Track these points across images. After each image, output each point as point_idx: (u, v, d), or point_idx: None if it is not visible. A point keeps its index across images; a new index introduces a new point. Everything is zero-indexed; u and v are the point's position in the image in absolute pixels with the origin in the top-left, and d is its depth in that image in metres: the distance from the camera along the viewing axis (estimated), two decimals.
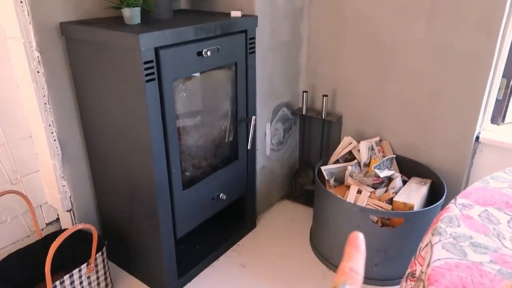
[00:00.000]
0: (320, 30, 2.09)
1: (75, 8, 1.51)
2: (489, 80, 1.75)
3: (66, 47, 1.51)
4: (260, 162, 2.09)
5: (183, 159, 1.62)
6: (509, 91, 1.91)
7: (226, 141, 1.83)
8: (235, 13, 1.63)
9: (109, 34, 1.32)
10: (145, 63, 1.28)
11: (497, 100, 1.90)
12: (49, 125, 1.58)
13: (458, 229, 0.77)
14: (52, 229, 1.81)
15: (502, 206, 0.85)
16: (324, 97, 2.09)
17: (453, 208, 0.85)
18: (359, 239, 0.47)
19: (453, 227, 0.77)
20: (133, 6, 1.37)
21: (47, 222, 1.81)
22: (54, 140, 1.60)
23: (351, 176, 1.86)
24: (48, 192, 1.76)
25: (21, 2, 1.39)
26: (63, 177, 1.67)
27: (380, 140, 2.08)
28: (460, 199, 0.89)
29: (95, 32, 1.36)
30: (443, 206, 1.74)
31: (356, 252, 0.46)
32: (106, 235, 1.83)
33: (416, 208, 1.67)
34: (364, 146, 1.98)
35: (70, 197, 1.72)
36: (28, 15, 1.41)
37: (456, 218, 0.80)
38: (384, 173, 1.81)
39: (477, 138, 1.87)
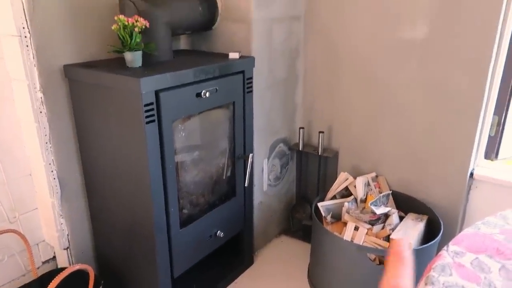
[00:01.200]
0: (316, 68, 2.16)
1: (78, 51, 1.57)
2: (480, 117, 1.80)
3: (68, 88, 1.55)
4: (257, 197, 2.10)
5: (181, 196, 1.64)
6: (501, 128, 1.96)
7: (224, 177, 1.85)
8: (233, 55, 1.69)
9: (111, 77, 1.37)
10: (146, 105, 1.32)
11: (489, 136, 1.94)
12: (49, 164, 1.60)
13: (450, 278, 0.78)
14: (48, 267, 1.80)
15: (493, 253, 0.86)
16: (320, 134, 2.13)
17: (445, 256, 0.87)
18: (403, 247, 0.39)
19: (445, 276, 0.78)
20: (135, 50, 1.42)
21: (43, 260, 1.80)
22: (54, 178, 1.62)
23: (348, 213, 1.87)
24: (45, 230, 1.76)
25: (27, 46, 1.44)
26: (61, 215, 1.67)
27: (376, 176, 2.11)
28: (452, 246, 0.91)
29: (97, 75, 1.41)
30: (440, 243, 1.75)
31: (399, 263, 0.38)
32: (102, 273, 1.81)
33: (413, 246, 1.67)
34: (360, 182, 2.00)
35: (67, 235, 1.71)
36: (34, 58, 1.46)
37: (449, 267, 0.81)
38: (380, 210, 1.83)
39: (472, 174, 1.89)
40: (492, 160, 1.97)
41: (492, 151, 1.98)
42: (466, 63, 1.73)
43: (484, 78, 1.73)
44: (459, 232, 1.98)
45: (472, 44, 1.70)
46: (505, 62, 1.79)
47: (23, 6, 1.40)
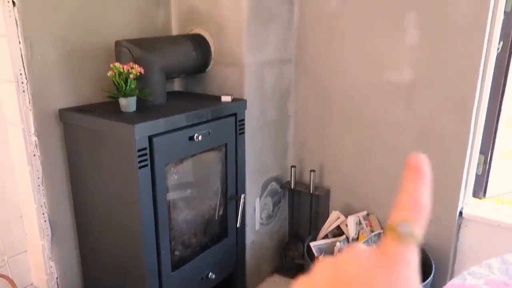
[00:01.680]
0: (307, 108, 2.21)
1: (74, 94, 1.60)
2: (467, 156, 1.85)
3: (63, 132, 1.57)
4: (249, 236, 2.10)
5: (172, 237, 1.63)
6: (487, 166, 2.00)
7: (216, 218, 1.85)
8: (226, 98, 1.74)
9: (105, 123, 1.40)
10: (139, 150, 1.34)
11: (477, 175, 1.98)
12: (41, 206, 1.60)
13: None
14: None
15: None
16: (312, 172, 2.15)
17: None
18: (421, 161, 0.35)
19: None
20: (130, 96, 1.46)
21: None
22: (45, 221, 1.61)
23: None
24: (34, 273, 1.73)
25: (24, 91, 1.47)
26: (51, 258, 1.65)
27: (368, 214, 2.12)
28: None
29: (91, 120, 1.44)
30: (432, 284, 1.75)
31: (418, 178, 0.35)
32: None
33: None
34: (351, 221, 2.01)
35: (56, 278, 1.69)
36: (29, 103, 1.49)
37: None
38: None
39: (461, 213, 1.92)
40: (480, 198, 2.01)
41: (480, 189, 2.02)
42: (451, 104, 1.79)
43: (468, 119, 1.78)
44: (451, 271, 1.98)
45: (455, 86, 1.76)
46: (488, 103, 1.85)
47: (21, 53, 1.44)
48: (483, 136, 1.92)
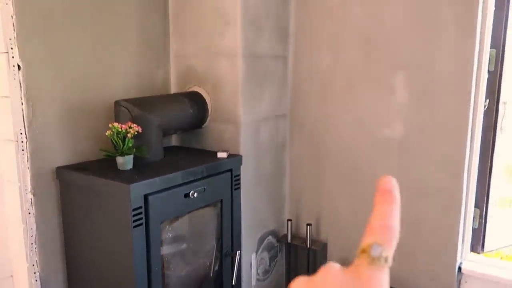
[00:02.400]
0: (302, 162, 2.24)
1: (72, 152, 1.63)
2: (462, 210, 1.85)
3: (59, 190, 1.58)
4: None
5: None
6: (483, 220, 2.00)
7: (211, 275, 1.82)
8: (221, 154, 1.77)
9: (101, 182, 1.41)
10: (134, 209, 1.35)
11: (473, 229, 1.97)
12: (33, 265, 1.57)
13: None
14: None
15: None
16: (308, 226, 2.14)
17: None
18: (391, 184, 0.37)
19: None
20: (127, 154, 1.49)
21: None
22: (36, 280, 1.58)
23: None
24: None
25: (23, 150, 1.50)
26: None
27: None
28: None
29: (87, 178, 1.45)
30: None
31: (388, 202, 0.36)
32: None
33: None
34: None
35: None
36: (28, 161, 1.51)
37: None
38: None
39: (460, 268, 1.89)
40: (478, 253, 1.99)
41: (477, 243, 2.00)
42: (443, 160, 1.82)
43: (460, 173, 1.81)
44: None
45: (446, 142, 1.81)
46: (479, 157, 1.89)
47: (23, 113, 1.48)
48: (476, 190, 1.93)
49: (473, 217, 1.95)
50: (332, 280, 0.34)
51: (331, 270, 0.35)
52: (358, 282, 0.33)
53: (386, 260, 0.34)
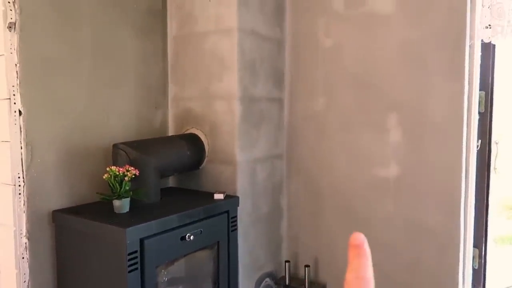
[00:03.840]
0: (299, 202, 2.24)
1: (69, 195, 1.63)
2: (461, 250, 1.83)
3: (54, 233, 1.57)
4: None
5: None
6: (483, 260, 1.98)
7: None
8: (218, 196, 1.77)
9: (96, 225, 1.41)
10: (129, 254, 1.34)
11: (473, 269, 1.95)
12: None
13: None
14: None
15: None
16: (306, 268, 2.11)
17: None
18: (360, 239, 0.41)
19: None
20: (124, 197, 1.49)
21: None
22: None
23: None
24: None
25: (20, 194, 1.51)
26: None
27: None
28: None
29: (83, 222, 1.45)
30: None
31: (359, 256, 0.41)
32: None
33: None
34: None
35: None
36: (24, 205, 1.51)
37: None
38: None
39: None
40: None
41: (478, 284, 1.97)
42: (439, 199, 1.83)
43: (457, 213, 1.81)
44: None
45: (441, 182, 1.82)
46: (475, 197, 1.90)
47: (22, 158, 1.50)
48: (474, 229, 1.93)
49: (473, 257, 1.93)
50: None
51: None
52: None
53: None
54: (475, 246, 1.94)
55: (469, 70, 1.79)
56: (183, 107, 2.05)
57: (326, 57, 2.08)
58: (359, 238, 0.42)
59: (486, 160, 1.91)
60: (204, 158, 1.96)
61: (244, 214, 1.94)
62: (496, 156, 1.96)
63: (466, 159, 1.82)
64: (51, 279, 1.59)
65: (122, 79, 1.85)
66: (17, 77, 1.47)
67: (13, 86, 1.47)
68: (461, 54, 1.76)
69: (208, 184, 1.98)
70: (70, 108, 1.64)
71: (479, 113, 1.87)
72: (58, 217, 1.54)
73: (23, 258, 1.52)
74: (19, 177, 1.50)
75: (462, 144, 1.78)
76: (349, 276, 0.40)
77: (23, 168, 1.50)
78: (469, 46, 1.78)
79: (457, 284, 1.83)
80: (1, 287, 1.59)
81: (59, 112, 1.60)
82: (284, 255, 2.29)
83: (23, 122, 1.48)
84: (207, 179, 1.99)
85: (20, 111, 1.47)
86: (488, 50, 1.85)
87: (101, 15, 1.74)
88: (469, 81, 1.80)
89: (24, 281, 1.52)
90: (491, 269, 1.99)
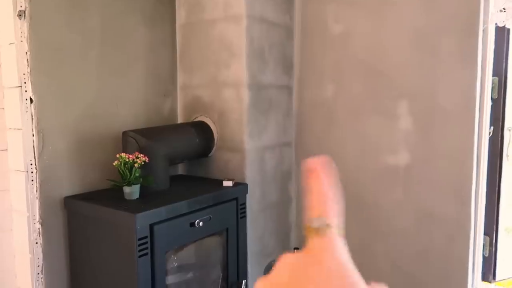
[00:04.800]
0: None
1: (81, 182, 1.66)
2: (471, 238, 1.82)
3: (66, 219, 1.60)
4: None
5: None
6: (494, 248, 1.97)
7: None
8: (227, 183, 1.78)
9: (107, 211, 1.43)
10: (139, 239, 1.36)
11: (484, 257, 1.93)
12: None
13: None
14: None
15: None
16: None
17: None
18: (313, 163, 0.37)
19: None
20: (134, 184, 1.51)
21: None
22: None
23: None
24: None
25: (32, 180, 1.53)
26: None
27: None
28: None
29: (94, 208, 1.47)
30: None
31: (315, 179, 0.36)
32: None
33: None
34: None
35: None
36: (37, 191, 1.54)
37: None
38: None
39: None
40: (490, 282, 1.94)
41: (489, 272, 1.96)
42: (449, 187, 1.81)
43: (468, 201, 1.79)
44: None
45: (452, 170, 1.80)
46: (487, 184, 1.87)
47: (34, 145, 1.53)
48: (485, 217, 1.91)
49: (483, 245, 1.92)
50: (288, 267, 0.36)
51: (285, 257, 0.37)
52: (310, 256, 0.35)
53: (332, 227, 0.36)
54: (485, 234, 1.93)
55: (482, 56, 1.75)
56: (192, 95, 2.05)
57: (335, 43, 2.06)
58: (312, 162, 0.39)
59: (499, 147, 1.88)
60: (213, 145, 1.96)
61: (253, 201, 1.95)
62: (509, 143, 1.93)
63: (477, 146, 1.79)
64: (64, 263, 1.62)
65: (131, 68, 1.85)
66: (27, 65, 1.48)
67: (24, 74, 1.49)
68: (474, 39, 1.72)
69: (217, 172, 1.99)
70: (80, 96, 1.65)
71: (492, 99, 1.84)
72: (70, 203, 1.57)
73: (36, 243, 1.55)
74: (31, 164, 1.52)
75: (474, 131, 1.75)
76: (310, 198, 0.37)
77: (35, 155, 1.52)
78: (483, 30, 1.74)
79: (467, 272, 1.82)
80: (16, 271, 1.63)
81: (69, 100, 1.62)
82: (293, 242, 2.30)
83: (35, 109, 1.50)
84: (216, 166, 2.00)
85: (31, 99, 1.49)
86: (502, 34, 1.81)
87: (110, 4, 1.74)
88: (482, 67, 1.76)
89: (38, 266, 1.56)
90: (502, 258, 1.98)
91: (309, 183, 0.38)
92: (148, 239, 1.38)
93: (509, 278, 2.03)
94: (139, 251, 1.36)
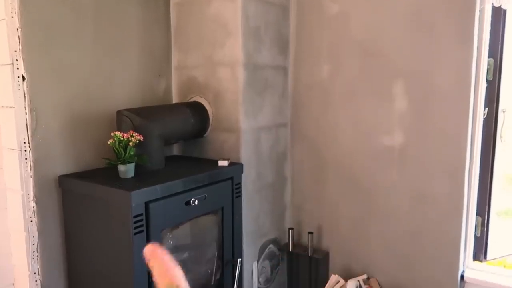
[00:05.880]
0: (303, 171, 2.25)
1: (75, 161, 1.65)
2: (463, 218, 1.85)
3: (61, 198, 1.60)
4: None
5: None
6: (485, 228, 2.00)
7: (212, 283, 1.82)
8: (222, 163, 1.78)
9: (102, 189, 1.43)
10: (135, 216, 1.36)
11: (475, 237, 1.96)
12: (34, 273, 1.58)
13: None
14: None
15: None
16: (310, 234, 2.14)
17: None
18: (151, 249, 0.48)
19: None
20: (128, 163, 1.51)
21: None
22: None
23: None
24: None
25: (26, 159, 1.52)
26: None
27: (368, 278, 2.08)
28: None
29: (89, 186, 1.47)
30: None
31: (156, 257, 0.47)
32: None
33: None
34: (351, 285, 1.97)
35: None
36: (31, 170, 1.53)
37: None
38: None
39: (462, 277, 1.88)
40: (481, 261, 1.97)
41: (480, 251, 1.99)
42: (443, 168, 1.83)
43: (461, 181, 1.81)
44: None
45: (446, 150, 1.81)
46: (480, 165, 1.89)
47: (27, 123, 1.51)
48: (478, 198, 1.93)
49: (475, 225, 1.95)
50: None
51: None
52: None
53: (179, 287, 0.46)
54: (478, 214, 1.95)
55: (478, 36, 1.75)
56: (187, 75, 2.04)
57: (332, 23, 2.04)
58: (149, 249, 0.49)
59: (493, 129, 1.89)
60: (208, 126, 1.96)
61: (248, 182, 1.95)
62: (503, 125, 1.93)
63: (472, 127, 1.80)
64: (59, 241, 1.63)
65: (125, 46, 1.83)
66: (19, 42, 1.46)
67: (15, 51, 1.46)
68: (470, 19, 1.72)
69: (212, 152, 1.98)
70: (74, 74, 1.63)
71: (487, 80, 1.84)
72: (65, 181, 1.56)
73: (31, 221, 1.55)
74: (24, 142, 1.51)
75: (468, 112, 1.76)
76: (156, 274, 0.47)
77: (29, 133, 1.51)
78: (479, 11, 1.73)
79: (458, 251, 1.85)
80: (11, 249, 1.63)
81: (62, 78, 1.59)
82: (288, 223, 2.32)
83: (27, 87, 1.48)
84: (211, 147, 2.00)
85: (23, 77, 1.47)
86: (498, 15, 1.80)
87: None
88: (477, 48, 1.76)
89: (33, 244, 1.56)
90: (494, 238, 2.01)
91: (152, 263, 0.48)
92: (143, 217, 1.39)
93: (499, 257, 2.07)
94: (135, 228, 1.36)
